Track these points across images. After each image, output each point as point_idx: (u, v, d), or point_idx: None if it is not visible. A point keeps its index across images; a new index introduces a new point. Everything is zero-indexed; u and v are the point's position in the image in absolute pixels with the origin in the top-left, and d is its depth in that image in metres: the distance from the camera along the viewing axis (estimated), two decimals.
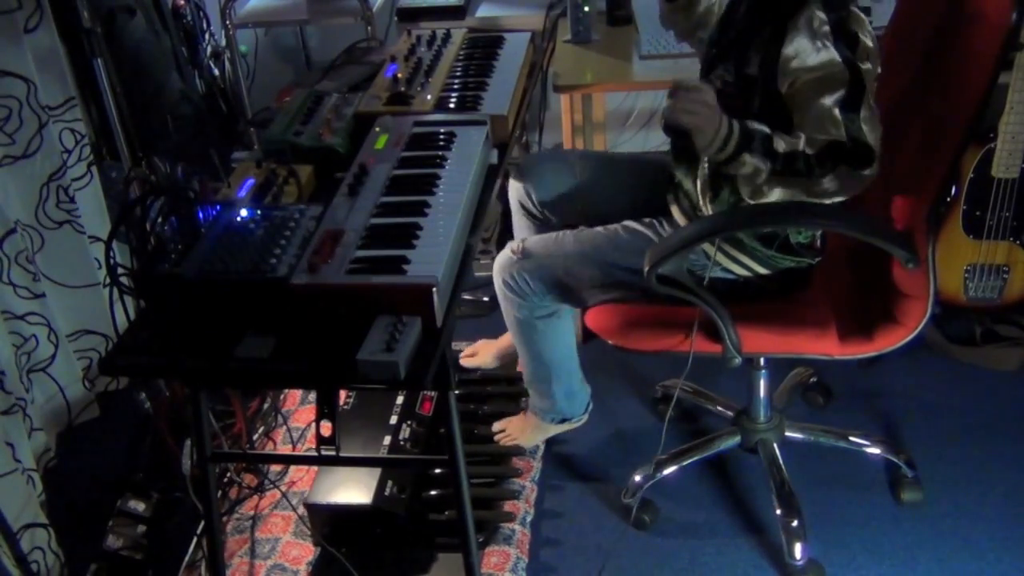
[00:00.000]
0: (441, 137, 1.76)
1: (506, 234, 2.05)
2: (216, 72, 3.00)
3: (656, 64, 2.38)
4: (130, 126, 2.22)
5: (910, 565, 1.97)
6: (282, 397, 2.49)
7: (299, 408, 2.47)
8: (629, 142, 3.44)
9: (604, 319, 1.87)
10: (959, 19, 1.61)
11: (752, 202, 1.64)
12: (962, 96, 1.60)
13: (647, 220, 1.91)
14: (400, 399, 2.20)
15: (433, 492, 2.11)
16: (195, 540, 2.06)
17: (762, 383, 2.06)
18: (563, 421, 2.17)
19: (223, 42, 3.01)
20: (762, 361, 2.02)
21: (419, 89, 1.96)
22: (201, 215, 1.55)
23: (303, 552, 2.07)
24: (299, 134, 1.81)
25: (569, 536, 2.10)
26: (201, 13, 2.90)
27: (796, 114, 1.61)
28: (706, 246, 1.79)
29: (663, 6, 2.01)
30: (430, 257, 1.41)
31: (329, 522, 2.03)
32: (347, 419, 2.15)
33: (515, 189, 2.17)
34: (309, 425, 2.38)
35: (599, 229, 1.92)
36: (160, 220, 1.51)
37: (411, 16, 2.81)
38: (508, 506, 2.13)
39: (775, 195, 1.59)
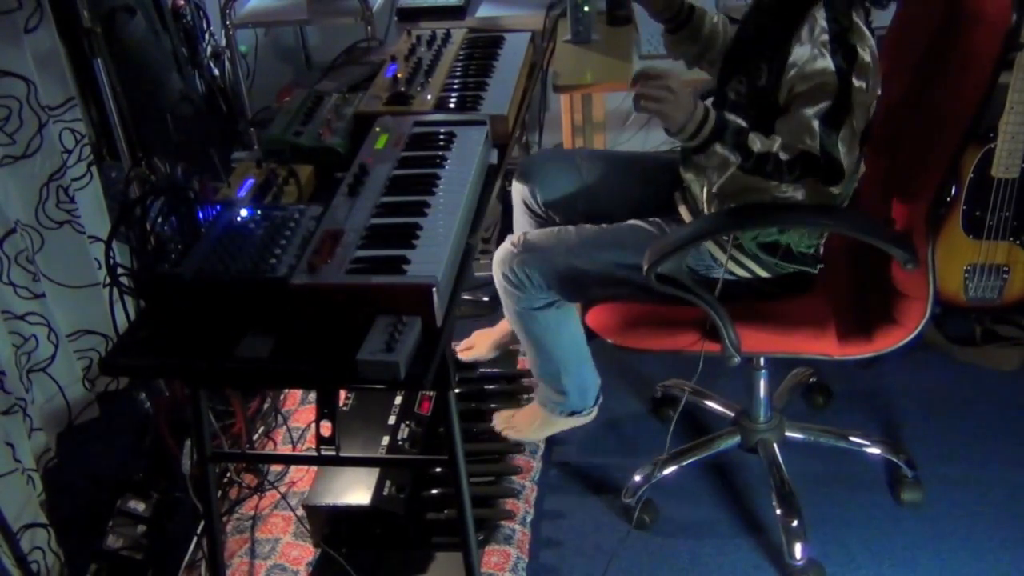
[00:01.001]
0: (441, 137, 1.76)
1: (506, 233, 2.05)
2: (216, 72, 3.00)
3: (656, 64, 2.38)
4: (130, 126, 2.22)
5: (910, 565, 1.97)
6: (282, 397, 2.49)
7: (299, 408, 2.47)
8: (629, 142, 3.44)
9: (604, 318, 1.87)
10: (959, 19, 1.61)
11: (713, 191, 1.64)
12: (962, 96, 1.60)
13: (652, 219, 1.91)
14: (398, 399, 2.20)
15: (432, 492, 2.11)
16: (195, 540, 2.06)
17: (762, 383, 2.06)
18: (572, 414, 2.13)
19: (223, 42, 3.01)
20: (762, 361, 2.02)
21: (419, 89, 1.96)
22: (201, 215, 1.55)
23: (303, 552, 2.07)
24: (299, 134, 1.81)
25: (569, 536, 2.10)
26: (201, 13, 2.90)
27: (780, 119, 1.62)
28: (711, 248, 1.79)
29: (667, 40, 2.02)
30: (430, 257, 1.42)
31: (328, 522, 2.03)
32: (347, 419, 2.14)
33: (518, 189, 2.16)
34: (309, 425, 2.38)
35: (603, 225, 1.91)
36: (160, 220, 1.51)
37: (411, 16, 2.81)
38: (508, 505, 2.13)
39: (740, 199, 1.60)
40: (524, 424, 2.21)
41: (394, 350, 1.27)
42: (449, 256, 1.43)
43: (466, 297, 2.78)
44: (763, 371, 2.04)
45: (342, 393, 2.15)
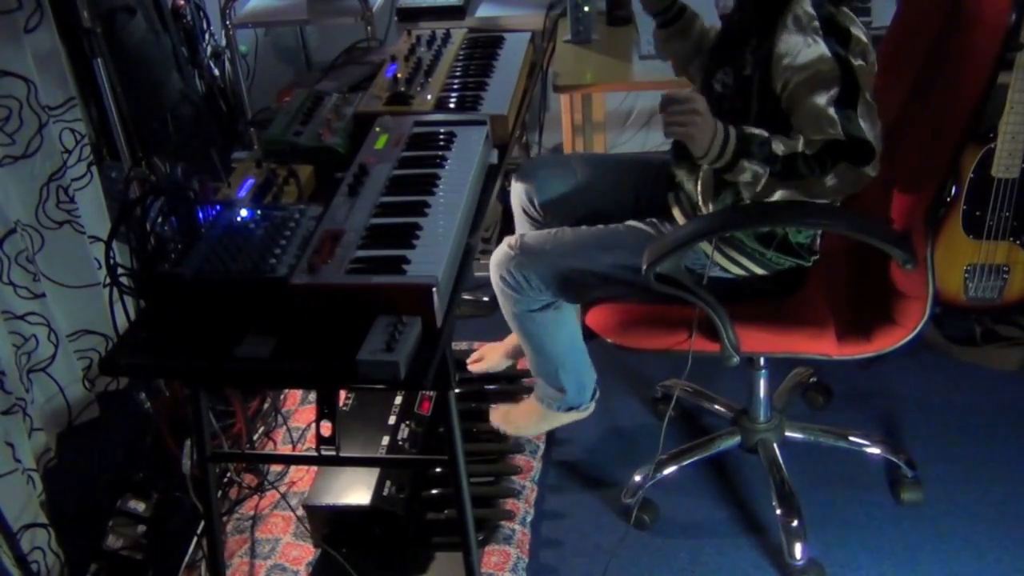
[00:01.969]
0: (441, 137, 1.76)
1: (506, 234, 2.05)
2: (216, 72, 3.00)
3: (656, 64, 2.38)
4: (130, 126, 2.22)
5: (910, 565, 1.97)
6: (282, 397, 2.49)
7: (299, 408, 2.47)
8: (629, 142, 3.44)
9: (604, 318, 1.87)
10: (958, 19, 1.61)
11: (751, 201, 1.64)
12: (961, 96, 1.60)
13: (649, 220, 1.91)
14: (399, 399, 2.20)
15: (432, 492, 2.11)
16: (195, 540, 2.06)
17: (762, 383, 2.06)
18: (570, 410, 2.13)
19: (223, 42, 3.01)
20: (762, 361, 2.02)
21: (419, 89, 1.96)
22: (201, 215, 1.55)
23: (303, 552, 2.07)
24: (299, 134, 1.81)
25: (569, 536, 2.10)
26: (201, 13, 2.90)
27: (793, 115, 1.61)
28: (704, 245, 1.79)
29: (657, 36, 2.03)
30: (430, 257, 1.42)
31: (329, 522, 2.03)
32: (347, 419, 2.15)
33: (517, 193, 2.16)
34: (309, 425, 2.38)
35: (599, 226, 1.92)
36: (160, 220, 1.51)
37: (411, 16, 2.81)
38: (508, 505, 2.13)
39: (776, 195, 1.59)
40: (522, 419, 2.20)
41: (394, 350, 1.27)
42: (449, 256, 1.43)
43: (466, 297, 2.78)
44: (763, 371, 2.04)
45: (342, 393, 2.15)
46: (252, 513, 2.18)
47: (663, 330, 1.82)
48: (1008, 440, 2.25)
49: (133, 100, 2.27)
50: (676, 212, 1.90)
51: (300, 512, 2.07)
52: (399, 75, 2.02)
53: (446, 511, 2.07)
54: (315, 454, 1.62)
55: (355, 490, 1.99)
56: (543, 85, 2.97)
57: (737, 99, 1.71)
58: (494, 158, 1.79)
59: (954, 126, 1.62)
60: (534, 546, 2.07)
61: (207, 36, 2.95)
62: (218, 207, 1.57)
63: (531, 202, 2.13)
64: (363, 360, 1.27)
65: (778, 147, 1.55)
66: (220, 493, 2.18)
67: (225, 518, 2.15)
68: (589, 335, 1.98)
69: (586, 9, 2.52)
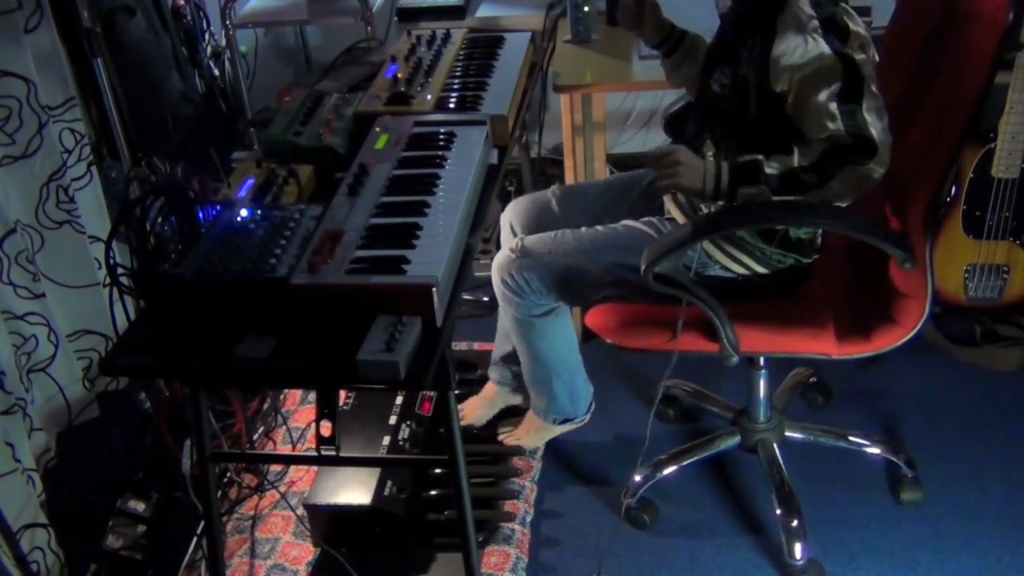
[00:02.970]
0: (441, 137, 1.76)
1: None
2: (216, 72, 3.00)
3: (656, 64, 2.36)
4: (130, 126, 2.22)
5: (910, 565, 1.97)
6: (282, 397, 2.49)
7: (299, 408, 2.47)
8: (629, 142, 3.44)
9: (603, 318, 1.87)
10: (957, 19, 1.61)
11: None
12: (959, 96, 1.60)
13: (646, 219, 1.91)
14: (399, 399, 2.20)
15: (433, 492, 2.11)
16: (195, 540, 2.06)
17: (762, 383, 2.06)
18: (565, 421, 2.17)
19: (223, 42, 3.01)
20: (762, 361, 2.02)
21: (419, 89, 1.96)
22: (201, 215, 1.55)
23: (303, 552, 2.07)
24: (299, 134, 1.81)
25: (569, 536, 2.10)
26: (201, 13, 2.90)
27: (801, 118, 1.62)
28: (707, 247, 1.79)
29: (665, 66, 2.03)
30: (430, 257, 1.42)
31: (329, 522, 2.03)
32: (347, 419, 2.15)
33: (504, 226, 2.17)
34: (309, 425, 2.39)
35: (598, 228, 1.92)
36: (160, 220, 1.51)
37: (411, 16, 2.81)
38: (508, 506, 2.13)
39: None
40: (522, 432, 2.25)
41: (394, 350, 1.27)
42: (449, 256, 1.43)
43: (466, 297, 2.78)
44: (763, 371, 2.04)
45: (342, 393, 2.15)
46: (252, 513, 2.18)
47: (663, 330, 1.82)
48: (1008, 440, 2.25)
49: (133, 100, 2.28)
50: (674, 211, 1.90)
51: (300, 512, 2.07)
52: (399, 75, 2.02)
53: (446, 512, 2.07)
54: (315, 454, 1.62)
55: (355, 490, 1.99)
56: (543, 85, 2.96)
57: (735, 99, 1.71)
58: (494, 158, 1.79)
59: (953, 126, 1.62)
60: (534, 546, 2.07)
61: (207, 36, 2.95)
62: (218, 207, 1.57)
63: (514, 233, 2.14)
64: (363, 360, 1.27)
65: (771, 168, 1.56)
66: (220, 493, 2.18)
67: (225, 518, 2.15)
68: (589, 335, 1.98)
69: (586, 9, 2.52)
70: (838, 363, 1.84)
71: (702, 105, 1.86)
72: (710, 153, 1.74)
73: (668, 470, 2.12)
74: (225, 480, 2.23)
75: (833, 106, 1.53)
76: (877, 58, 1.66)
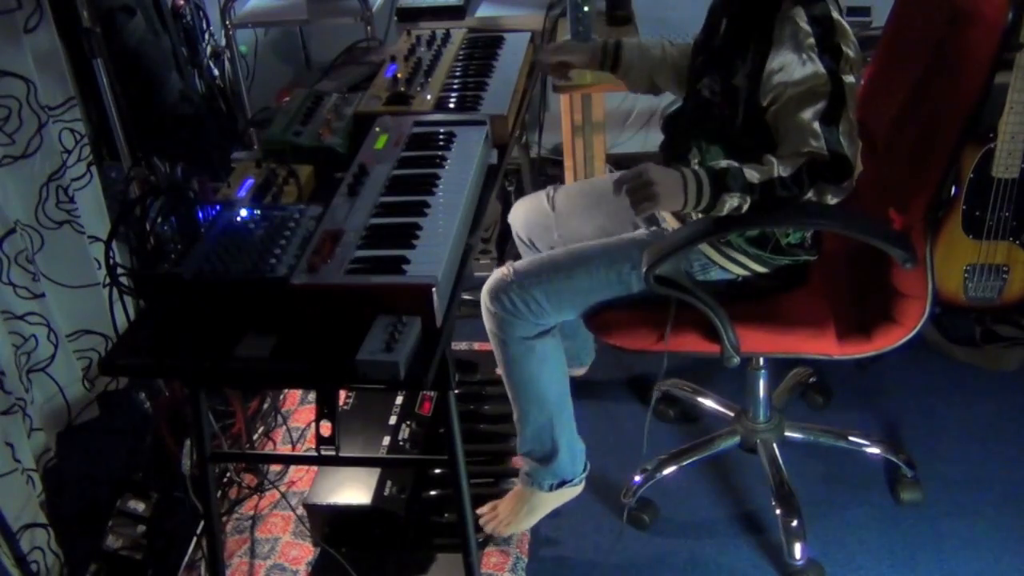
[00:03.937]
0: (441, 137, 1.76)
1: (506, 234, 2.05)
2: (216, 72, 3.00)
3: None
4: (130, 126, 2.22)
5: (910, 565, 1.97)
6: (282, 397, 2.49)
7: (299, 408, 2.47)
8: (629, 142, 3.44)
9: (604, 318, 1.86)
10: (956, 19, 1.61)
11: None
12: (959, 96, 1.61)
13: (637, 225, 1.91)
14: (399, 399, 2.20)
15: (433, 492, 2.11)
16: (195, 540, 2.06)
17: (762, 383, 2.06)
18: (562, 484, 2.01)
19: (223, 42, 3.01)
20: (761, 361, 2.02)
21: (419, 89, 1.96)
22: (201, 215, 1.55)
23: (302, 552, 2.07)
24: (299, 134, 1.81)
25: (569, 536, 2.10)
26: (201, 13, 2.90)
27: (778, 127, 1.62)
28: (706, 249, 1.79)
29: (618, 78, 2.06)
30: (430, 257, 1.42)
31: (329, 522, 2.03)
32: (347, 419, 2.15)
33: (512, 223, 2.19)
34: (309, 425, 2.38)
35: (589, 242, 1.91)
36: (160, 220, 1.51)
37: (411, 16, 2.81)
38: None
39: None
40: (509, 512, 2.04)
41: (394, 350, 1.27)
42: (449, 256, 1.43)
43: (466, 297, 2.77)
44: (763, 371, 2.04)
45: (342, 393, 2.15)
46: (252, 513, 2.18)
47: (662, 331, 1.82)
48: (1008, 440, 2.25)
49: (133, 100, 2.28)
50: (667, 215, 1.90)
51: (300, 512, 2.07)
52: (399, 75, 2.02)
53: (446, 512, 2.07)
54: (315, 454, 1.62)
55: (355, 490, 1.99)
56: (543, 85, 2.97)
57: (725, 106, 1.71)
58: (494, 158, 1.79)
59: (952, 125, 1.62)
60: (534, 546, 2.07)
61: (207, 36, 2.95)
62: (218, 207, 1.57)
63: (519, 235, 2.17)
64: (363, 360, 1.27)
65: (752, 175, 1.56)
66: (220, 493, 2.18)
67: (225, 518, 2.15)
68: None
69: (586, 9, 2.52)
70: (838, 363, 1.84)
71: (691, 109, 1.85)
72: (695, 161, 1.74)
73: (668, 470, 2.12)
74: (225, 480, 2.23)
75: (816, 125, 1.55)
76: (863, 80, 1.66)
